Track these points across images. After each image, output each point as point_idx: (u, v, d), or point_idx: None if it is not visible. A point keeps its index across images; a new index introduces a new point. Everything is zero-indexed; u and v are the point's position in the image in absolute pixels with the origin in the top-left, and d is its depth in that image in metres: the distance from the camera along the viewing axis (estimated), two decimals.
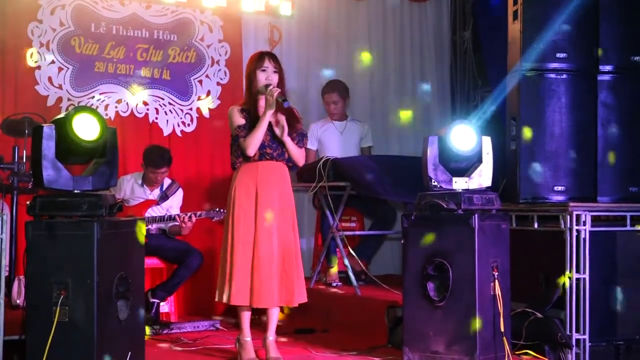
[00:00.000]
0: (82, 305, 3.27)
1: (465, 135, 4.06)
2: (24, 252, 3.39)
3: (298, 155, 4.14)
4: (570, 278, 4.17)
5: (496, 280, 3.89)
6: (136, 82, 5.86)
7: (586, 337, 4.19)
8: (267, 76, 4.07)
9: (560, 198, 4.48)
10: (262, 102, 4.07)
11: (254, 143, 4.00)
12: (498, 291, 3.87)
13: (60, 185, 3.43)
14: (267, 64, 4.09)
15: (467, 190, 4.06)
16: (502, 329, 3.87)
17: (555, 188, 4.50)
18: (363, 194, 5.40)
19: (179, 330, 4.95)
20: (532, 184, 4.49)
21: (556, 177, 4.50)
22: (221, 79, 6.19)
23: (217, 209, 5.10)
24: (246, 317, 4.09)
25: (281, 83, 4.11)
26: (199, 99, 6.10)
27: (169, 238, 5.35)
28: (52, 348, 3.22)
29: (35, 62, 5.56)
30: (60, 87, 5.62)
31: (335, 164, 5.32)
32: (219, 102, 6.15)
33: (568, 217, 4.22)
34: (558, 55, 4.53)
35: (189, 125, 6.05)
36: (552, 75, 4.54)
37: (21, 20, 5.53)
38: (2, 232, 3.62)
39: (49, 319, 3.24)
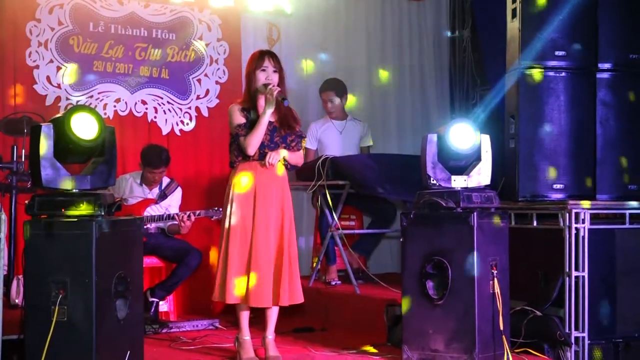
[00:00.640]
0: (80, 305, 3.27)
1: (464, 134, 4.06)
2: (22, 252, 3.39)
3: (296, 160, 4.17)
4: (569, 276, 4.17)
5: (495, 279, 3.88)
6: (135, 81, 5.86)
7: (585, 335, 4.19)
8: (267, 76, 4.06)
9: (559, 196, 4.48)
10: (262, 101, 4.07)
11: (254, 142, 4.00)
12: (497, 289, 3.87)
13: (59, 184, 3.43)
14: (267, 63, 4.08)
15: (466, 188, 4.06)
16: (501, 327, 3.87)
17: (554, 186, 4.50)
18: (362, 192, 5.40)
19: (178, 330, 4.95)
20: (531, 182, 4.49)
21: (555, 174, 4.50)
22: (220, 77, 6.19)
23: (216, 208, 5.09)
24: (245, 316, 4.08)
25: (281, 82, 4.10)
26: (197, 97, 6.09)
27: (167, 237, 5.34)
28: (51, 347, 3.22)
29: (34, 61, 5.56)
30: (58, 86, 5.62)
31: (334, 163, 5.31)
32: (217, 101, 6.14)
33: (567, 215, 4.22)
34: (557, 53, 4.53)
35: (187, 124, 6.05)
36: (551, 73, 4.54)
37: (19, 19, 5.53)
38: (0, 232, 3.62)
39: (48, 319, 3.24)
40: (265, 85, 4.02)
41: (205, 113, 6.10)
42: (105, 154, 3.58)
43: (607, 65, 4.58)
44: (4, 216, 3.53)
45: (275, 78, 4.07)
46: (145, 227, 5.11)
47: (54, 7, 5.63)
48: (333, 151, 5.79)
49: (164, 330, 4.89)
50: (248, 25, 6.40)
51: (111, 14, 5.81)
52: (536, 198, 4.49)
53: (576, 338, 4.18)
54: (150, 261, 5.19)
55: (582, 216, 4.22)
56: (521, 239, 4.41)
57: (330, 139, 5.97)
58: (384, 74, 6.92)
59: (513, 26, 4.63)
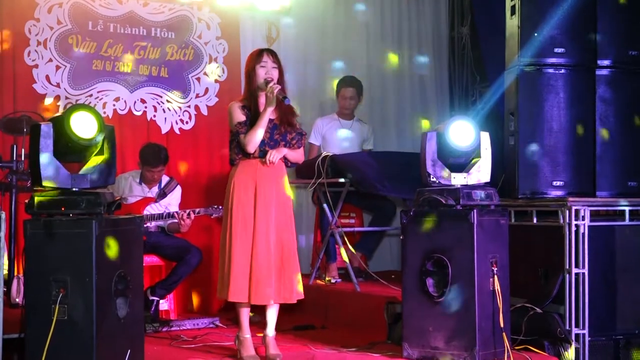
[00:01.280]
0: (81, 303, 3.27)
1: (463, 131, 4.06)
2: (22, 251, 3.39)
3: (297, 158, 4.17)
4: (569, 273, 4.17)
5: (495, 276, 3.89)
6: (134, 79, 5.86)
7: (585, 331, 4.19)
8: (266, 71, 4.06)
9: (559, 193, 4.48)
10: (262, 99, 4.06)
11: (254, 140, 4.00)
12: (497, 286, 3.87)
13: (59, 183, 3.43)
14: (267, 59, 4.08)
15: (466, 185, 4.06)
16: (502, 324, 3.87)
17: (554, 183, 4.50)
18: (362, 190, 5.40)
19: (178, 328, 4.94)
20: (530, 179, 4.49)
21: (555, 172, 4.50)
22: (219, 76, 6.18)
23: (216, 206, 5.09)
24: (245, 313, 4.08)
25: (281, 79, 4.10)
26: (197, 96, 6.09)
27: (167, 235, 5.34)
28: (52, 346, 3.22)
29: (33, 60, 5.56)
30: (58, 85, 5.62)
31: (334, 160, 5.31)
32: (217, 99, 6.14)
33: (567, 212, 4.22)
34: (556, 50, 4.54)
35: (187, 122, 6.04)
36: (550, 70, 4.54)
37: (18, 18, 5.52)
38: (0, 231, 3.62)
39: (48, 317, 3.24)
40: (266, 83, 4.02)
41: (204, 111, 6.10)
42: (105, 152, 3.58)
43: (606, 62, 4.58)
44: (3, 215, 3.53)
45: (275, 74, 4.07)
46: (145, 225, 5.10)
47: (53, 7, 5.62)
48: (335, 149, 5.79)
49: (165, 329, 4.89)
50: (247, 23, 6.39)
51: (110, 13, 5.80)
52: (536, 195, 4.49)
53: (576, 335, 4.19)
54: (150, 260, 5.18)
55: (582, 213, 4.22)
56: (521, 236, 4.42)
57: (334, 136, 5.97)
58: (383, 72, 6.91)
59: (512, 23, 4.63)
